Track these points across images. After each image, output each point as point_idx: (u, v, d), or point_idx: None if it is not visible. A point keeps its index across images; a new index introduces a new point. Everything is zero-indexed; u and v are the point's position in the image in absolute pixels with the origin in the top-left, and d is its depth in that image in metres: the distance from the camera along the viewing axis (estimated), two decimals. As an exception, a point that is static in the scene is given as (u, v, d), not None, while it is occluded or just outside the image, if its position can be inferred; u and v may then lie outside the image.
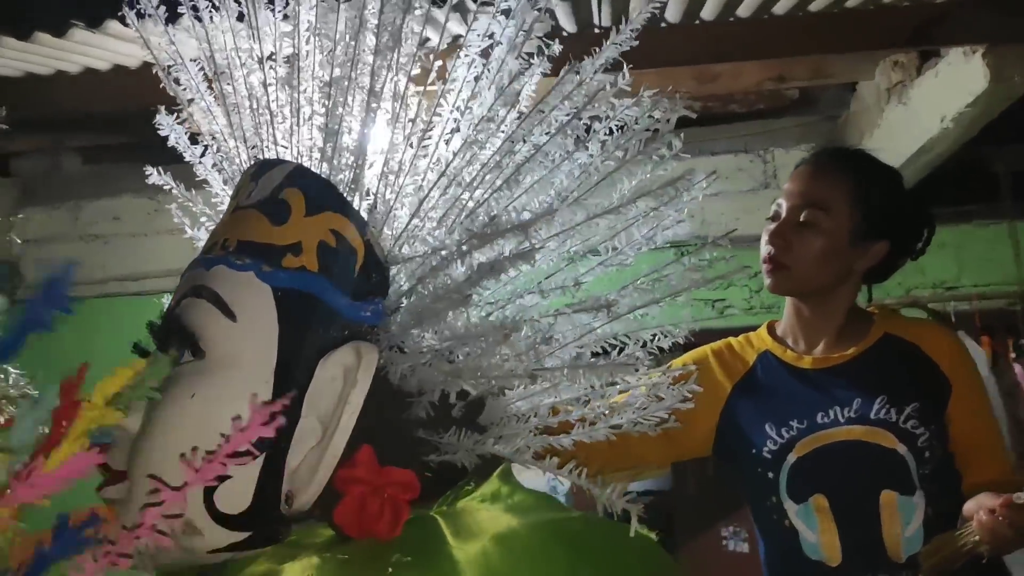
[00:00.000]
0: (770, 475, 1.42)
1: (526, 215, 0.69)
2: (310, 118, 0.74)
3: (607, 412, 0.78)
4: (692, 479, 3.71)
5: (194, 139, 0.94)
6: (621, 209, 0.70)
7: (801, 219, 1.44)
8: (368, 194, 0.72)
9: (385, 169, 0.71)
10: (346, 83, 0.71)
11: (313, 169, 0.75)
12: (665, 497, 3.96)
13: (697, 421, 1.46)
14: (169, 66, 0.88)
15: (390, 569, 0.62)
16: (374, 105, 0.70)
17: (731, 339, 1.56)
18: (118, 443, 0.69)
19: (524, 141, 0.73)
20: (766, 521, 1.45)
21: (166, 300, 0.80)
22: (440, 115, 0.72)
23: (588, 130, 0.75)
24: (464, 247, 0.65)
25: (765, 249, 1.45)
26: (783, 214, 1.46)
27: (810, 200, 1.45)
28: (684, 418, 1.40)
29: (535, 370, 0.68)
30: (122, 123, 2.58)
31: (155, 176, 1.04)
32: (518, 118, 0.74)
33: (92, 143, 3.02)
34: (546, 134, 0.74)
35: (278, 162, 0.76)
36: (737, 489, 1.54)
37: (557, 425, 0.78)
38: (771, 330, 1.55)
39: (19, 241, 3.21)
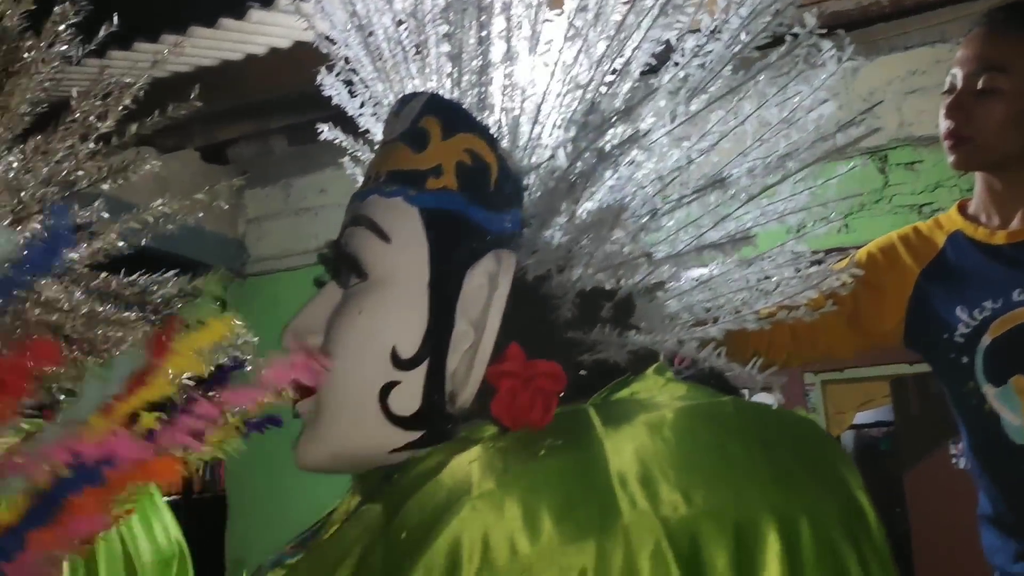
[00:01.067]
0: (964, 360, 1.35)
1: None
2: (436, 46, 0.79)
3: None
4: (914, 400, 3.54)
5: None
6: (741, 89, 0.70)
7: (979, 86, 1.34)
8: (495, 110, 0.77)
9: (506, 83, 0.76)
10: (462, 5, 0.76)
11: (445, 95, 0.80)
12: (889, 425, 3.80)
13: (885, 309, 1.43)
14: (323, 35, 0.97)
15: (542, 452, 0.67)
16: (484, 19, 0.75)
17: (919, 223, 1.50)
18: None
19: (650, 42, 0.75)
20: (965, 408, 1.39)
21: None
22: (551, 21, 0.75)
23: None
24: (579, 142, 0.69)
25: (944, 125, 1.37)
26: (959, 84, 1.37)
27: (987, 64, 1.35)
28: (871, 307, 1.38)
29: (649, 253, 0.70)
30: (316, 99, 2.77)
31: (327, 132, 1.13)
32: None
33: (294, 122, 3.27)
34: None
35: (415, 95, 0.82)
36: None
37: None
38: (962, 209, 1.46)
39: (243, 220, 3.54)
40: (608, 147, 0.67)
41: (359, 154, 1.11)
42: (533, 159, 0.76)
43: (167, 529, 1.64)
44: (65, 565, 1.31)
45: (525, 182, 0.77)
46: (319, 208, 3.46)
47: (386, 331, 0.75)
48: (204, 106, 1.23)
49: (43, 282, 1.17)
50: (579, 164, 0.70)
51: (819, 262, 0.79)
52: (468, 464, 0.68)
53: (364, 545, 0.67)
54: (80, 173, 1.17)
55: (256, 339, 1.31)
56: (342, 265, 0.79)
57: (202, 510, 3.74)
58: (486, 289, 0.74)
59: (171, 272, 1.19)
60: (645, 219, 0.70)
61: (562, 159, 0.72)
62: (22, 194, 1.17)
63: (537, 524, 0.59)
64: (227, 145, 3.50)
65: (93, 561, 1.50)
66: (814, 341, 1.39)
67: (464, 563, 0.58)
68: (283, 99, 2.63)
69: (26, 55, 1.14)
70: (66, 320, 1.15)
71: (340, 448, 0.76)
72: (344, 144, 1.13)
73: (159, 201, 1.21)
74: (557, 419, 0.71)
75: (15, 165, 1.15)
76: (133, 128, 1.17)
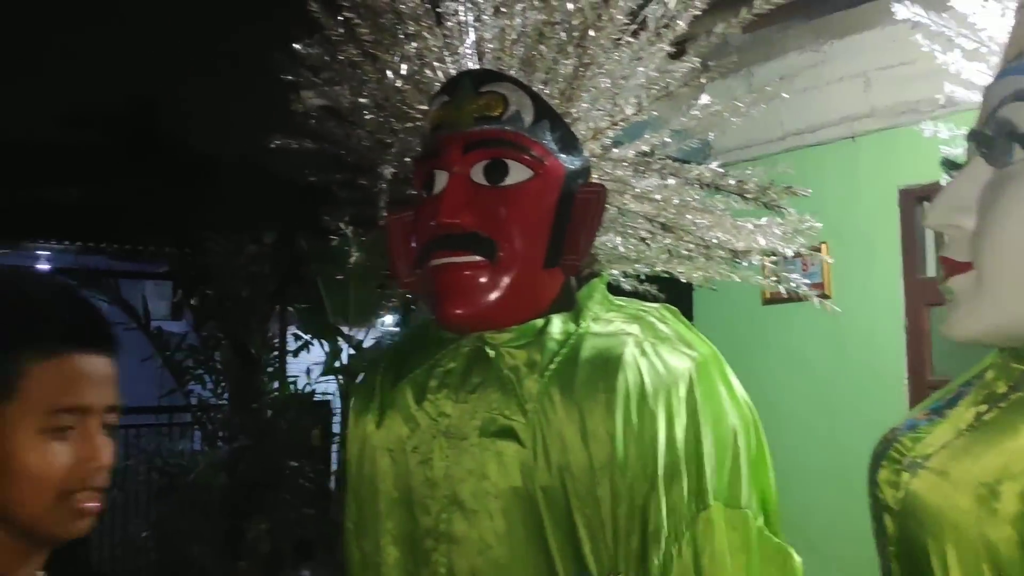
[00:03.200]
0: None
1: None
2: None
3: None
4: None
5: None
6: None
7: None
8: None
9: None
10: None
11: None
12: None
13: None
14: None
15: None
16: None
17: None
18: (956, 240, 0.83)
19: None
20: None
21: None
22: None
23: None
24: None
25: None
26: None
27: None
28: None
29: None
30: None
31: (902, 11, 1.14)
32: None
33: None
34: None
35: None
36: None
37: None
38: None
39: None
40: None
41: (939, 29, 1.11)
42: None
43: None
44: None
45: None
46: (782, 95, 3.43)
47: None
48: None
49: (631, 178, 1.34)
50: None
51: None
52: None
53: None
54: (671, 78, 1.31)
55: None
56: (1002, 141, 0.80)
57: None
58: None
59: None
60: None
61: None
62: (618, 100, 1.34)
63: None
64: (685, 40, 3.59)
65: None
66: None
67: None
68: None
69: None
70: (660, 209, 1.32)
71: (1005, 321, 0.80)
72: (921, 20, 1.13)
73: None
74: None
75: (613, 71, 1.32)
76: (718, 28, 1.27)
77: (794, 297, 1.43)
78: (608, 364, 1.17)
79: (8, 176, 8.24)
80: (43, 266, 8.65)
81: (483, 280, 1.23)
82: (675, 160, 1.36)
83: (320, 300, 5.48)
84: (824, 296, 1.71)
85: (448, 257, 1.24)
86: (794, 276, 1.39)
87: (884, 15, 3.05)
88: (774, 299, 3.00)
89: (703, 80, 1.41)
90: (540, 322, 1.25)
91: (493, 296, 1.23)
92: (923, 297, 2.86)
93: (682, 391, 1.16)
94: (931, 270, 2.91)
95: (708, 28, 1.34)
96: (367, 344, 5.60)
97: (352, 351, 5.60)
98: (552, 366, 1.20)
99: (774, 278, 1.38)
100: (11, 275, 1.07)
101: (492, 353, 1.24)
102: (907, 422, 0.90)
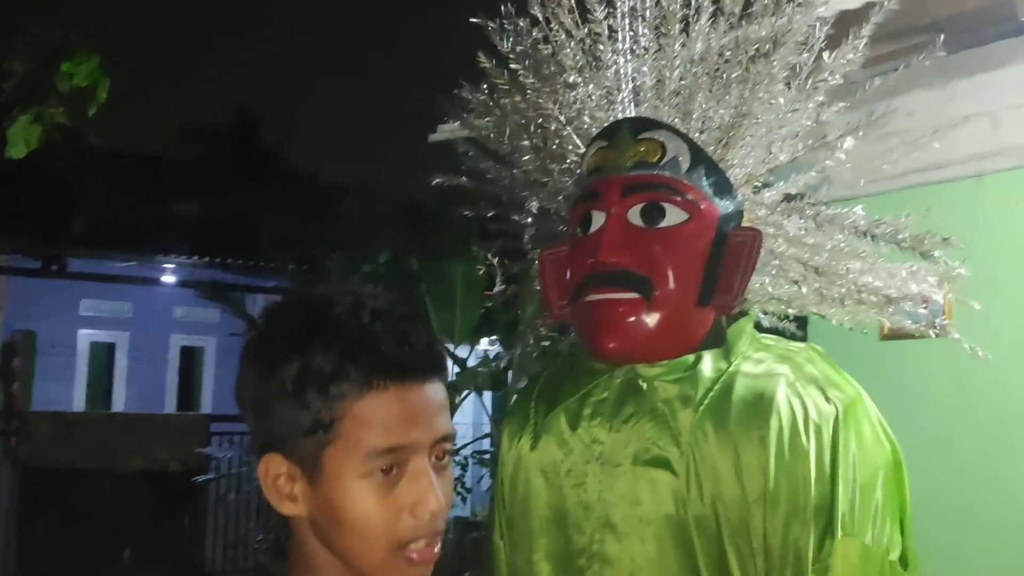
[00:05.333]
0: None
1: None
2: None
3: None
4: None
5: None
6: None
7: None
8: None
9: None
10: None
11: None
12: None
13: None
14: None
15: None
16: None
17: None
18: None
19: None
20: None
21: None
22: None
23: None
24: None
25: None
26: None
27: None
28: None
29: None
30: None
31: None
32: None
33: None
34: None
35: None
36: None
37: None
38: None
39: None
40: None
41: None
42: None
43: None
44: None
45: None
46: (905, 132, 3.41)
47: None
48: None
49: (784, 222, 1.40)
50: None
51: None
52: None
53: None
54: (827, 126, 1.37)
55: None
56: None
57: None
58: None
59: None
60: None
61: None
62: (771, 148, 1.41)
63: None
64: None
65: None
66: None
67: None
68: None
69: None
70: (812, 253, 1.37)
71: None
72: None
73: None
74: None
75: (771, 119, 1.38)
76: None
77: (916, 334, 1.46)
78: (762, 403, 1.23)
79: (139, 190, 8.70)
80: (169, 278, 9.09)
81: (638, 316, 1.30)
82: (823, 205, 1.41)
83: (428, 318, 5.65)
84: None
85: (605, 293, 1.32)
86: (921, 311, 1.42)
87: (1012, 55, 3.02)
88: (893, 334, 2.98)
89: (836, 110, 1.46)
90: (691, 358, 1.31)
91: (647, 332, 1.30)
92: (1052, 340, 2.80)
93: (831, 431, 1.21)
94: (1061, 313, 2.85)
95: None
96: (471, 363, 5.73)
97: (457, 369, 5.73)
98: (706, 401, 1.26)
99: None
100: (322, 301, 0.91)
101: (645, 386, 1.31)
102: None
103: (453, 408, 5.90)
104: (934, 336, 1.39)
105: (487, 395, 5.90)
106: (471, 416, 7.62)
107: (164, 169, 9.81)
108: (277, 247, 6.20)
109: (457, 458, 5.91)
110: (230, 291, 5.87)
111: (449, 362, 5.93)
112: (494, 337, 5.80)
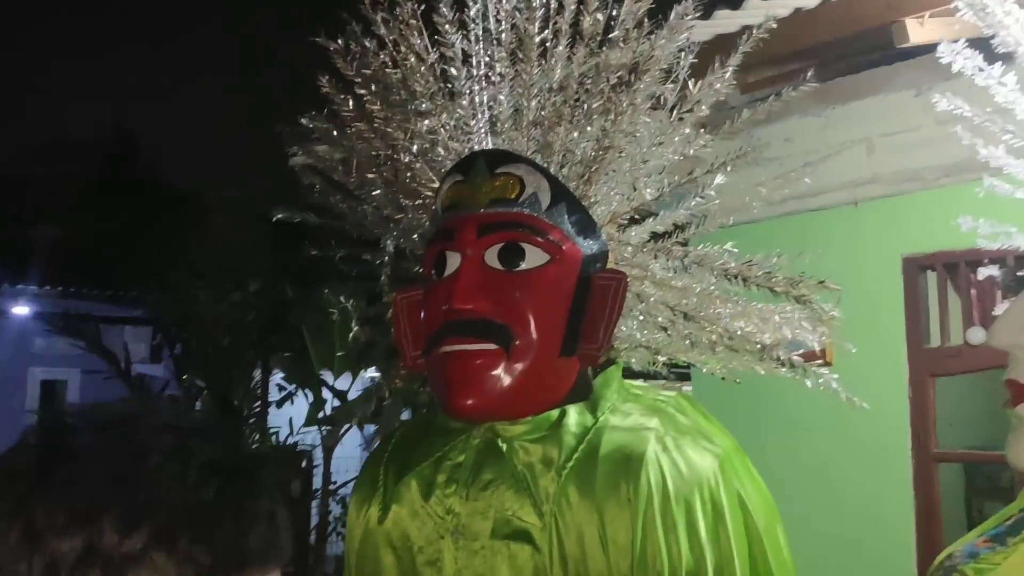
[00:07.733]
0: None
1: None
2: None
3: None
4: None
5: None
6: None
7: None
8: None
9: None
10: None
11: None
12: None
13: None
14: None
15: None
16: None
17: None
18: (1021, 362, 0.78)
19: None
20: None
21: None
22: None
23: None
24: None
25: None
26: None
27: None
28: None
29: None
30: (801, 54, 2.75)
31: (943, 103, 1.12)
32: None
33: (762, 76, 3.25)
34: None
35: None
36: None
37: None
38: None
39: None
40: None
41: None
42: None
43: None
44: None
45: None
46: (785, 158, 3.42)
47: None
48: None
49: (651, 263, 1.30)
50: None
51: None
52: None
53: None
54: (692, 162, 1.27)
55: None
56: None
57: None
58: None
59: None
60: None
61: None
62: (636, 184, 1.30)
63: None
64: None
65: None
66: None
67: None
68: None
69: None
70: (680, 297, 1.27)
71: None
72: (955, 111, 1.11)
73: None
74: None
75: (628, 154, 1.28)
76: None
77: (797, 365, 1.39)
78: (630, 462, 1.12)
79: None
80: (23, 309, 8.48)
81: (496, 370, 1.18)
82: (684, 245, 1.32)
83: (304, 349, 5.40)
84: (826, 364, 1.65)
85: (460, 344, 1.19)
86: (796, 358, 1.34)
87: (888, 82, 3.05)
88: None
89: (703, 143, 1.37)
90: (555, 413, 1.19)
91: (506, 386, 1.18)
92: (927, 368, 2.82)
93: (706, 492, 1.12)
94: (935, 340, 2.87)
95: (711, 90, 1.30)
96: (352, 395, 5.52)
97: (337, 401, 5.51)
98: (570, 464, 1.14)
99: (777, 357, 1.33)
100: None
101: (504, 447, 1.18)
102: (966, 549, 0.85)
103: (334, 443, 5.67)
104: (809, 386, 1.30)
105: (369, 428, 5.69)
106: (352, 451, 7.38)
107: (22, 190, 9.20)
108: (138, 274, 5.82)
109: (336, 497, 5.66)
110: (83, 322, 5.48)
111: (327, 394, 5.71)
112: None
